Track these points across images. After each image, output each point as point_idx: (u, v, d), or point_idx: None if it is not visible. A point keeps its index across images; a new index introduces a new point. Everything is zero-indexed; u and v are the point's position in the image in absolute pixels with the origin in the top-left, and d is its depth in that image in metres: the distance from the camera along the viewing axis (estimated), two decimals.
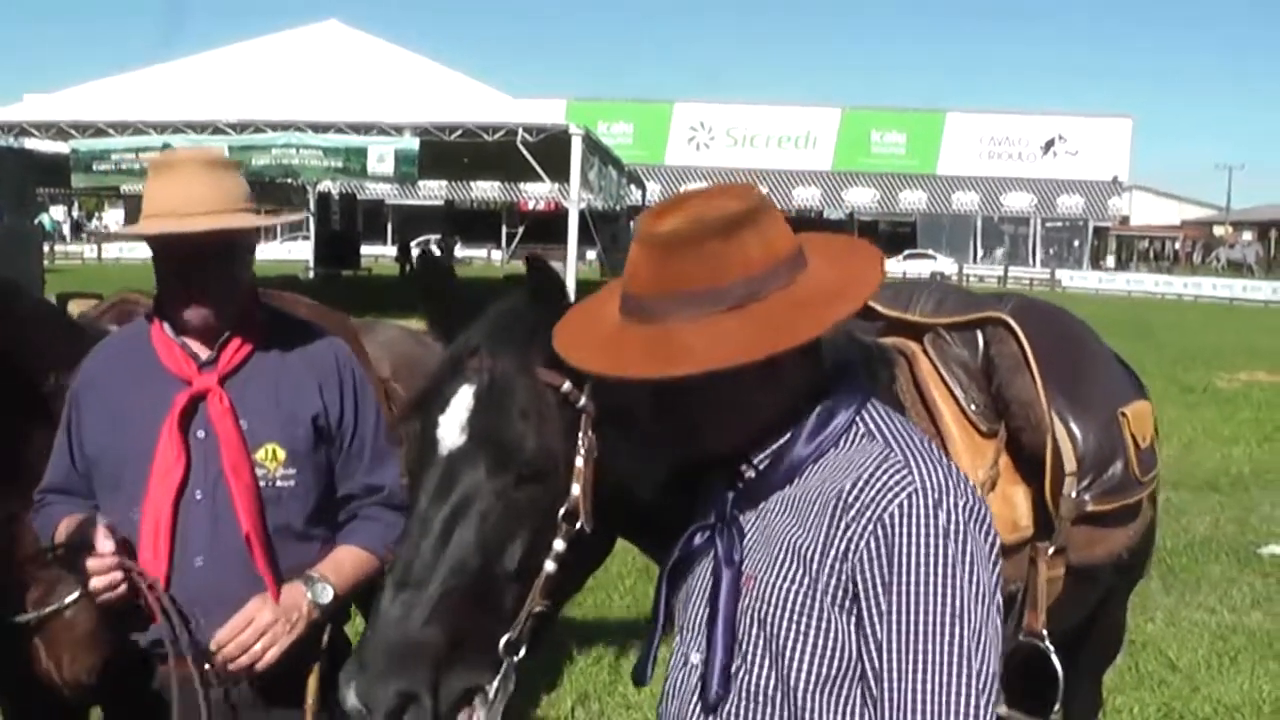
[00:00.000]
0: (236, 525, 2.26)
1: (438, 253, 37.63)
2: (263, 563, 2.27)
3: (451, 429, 1.81)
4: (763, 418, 1.56)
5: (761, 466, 1.59)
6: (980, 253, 54.72)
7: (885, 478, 1.48)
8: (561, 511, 1.79)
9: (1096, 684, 3.42)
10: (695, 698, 1.59)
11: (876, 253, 1.64)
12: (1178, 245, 66.07)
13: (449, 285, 2.11)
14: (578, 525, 1.80)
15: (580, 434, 1.83)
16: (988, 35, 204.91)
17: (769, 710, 1.53)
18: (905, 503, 1.45)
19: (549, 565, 1.79)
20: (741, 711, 1.55)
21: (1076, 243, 56.24)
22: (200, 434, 2.30)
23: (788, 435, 1.56)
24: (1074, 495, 2.54)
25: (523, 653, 1.78)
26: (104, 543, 2.19)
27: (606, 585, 6.08)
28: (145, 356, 2.37)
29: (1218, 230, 66.09)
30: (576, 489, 1.80)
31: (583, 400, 1.83)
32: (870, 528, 1.45)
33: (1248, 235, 62.35)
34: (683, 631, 1.66)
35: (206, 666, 2.27)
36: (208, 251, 2.26)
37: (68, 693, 2.65)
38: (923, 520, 1.44)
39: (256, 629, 2.25)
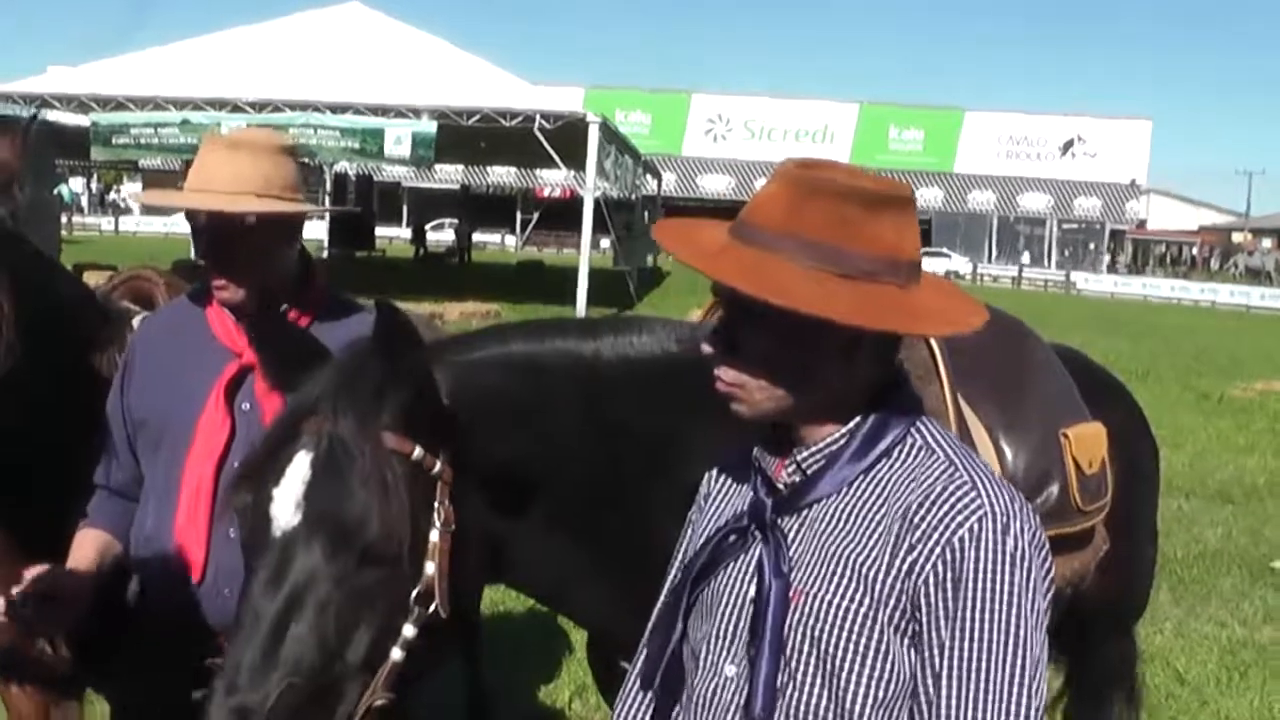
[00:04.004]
0: None
1: (459, 241, 37.61)
2: None
3: (285, 505, 1.65)
4: (820, 398, 1.49)
5: (810, 470, 1.51)
6: (995, 252, 54.52)
7: (953, 499, 1.42)
8: (414, 594, 1.66)
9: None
10: (733, 713, 1.51)
11: (982, 304, 1.61)
12: (1195, 250, 65.73)
13: (286, 335, 1.96)
14: (431, 608, 1.66)
15: (435, 504, 1.69)
16: (1008, 35, 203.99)
17: None
18: (975, 526, 1.40)
19: (395, 654, 1.65)
20: None
21: (1092, 245, 55.99)
22: (245, 406, 2.32)
23: (842, 439, 1.49)
24: None
25: None
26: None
27: None
28: (198, 326, 2.41)
29: (1236, 236, 65.67)
30: (431, 567, 1.67)
31: (437, 467, 1.70)
32: (939, 550, 1.40)
33: (1267, 242, 61.91)
34: (711, 640, 1.57)
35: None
36: (233, 231, 2.29)
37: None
38: (992, 546, 1.40)
39: None
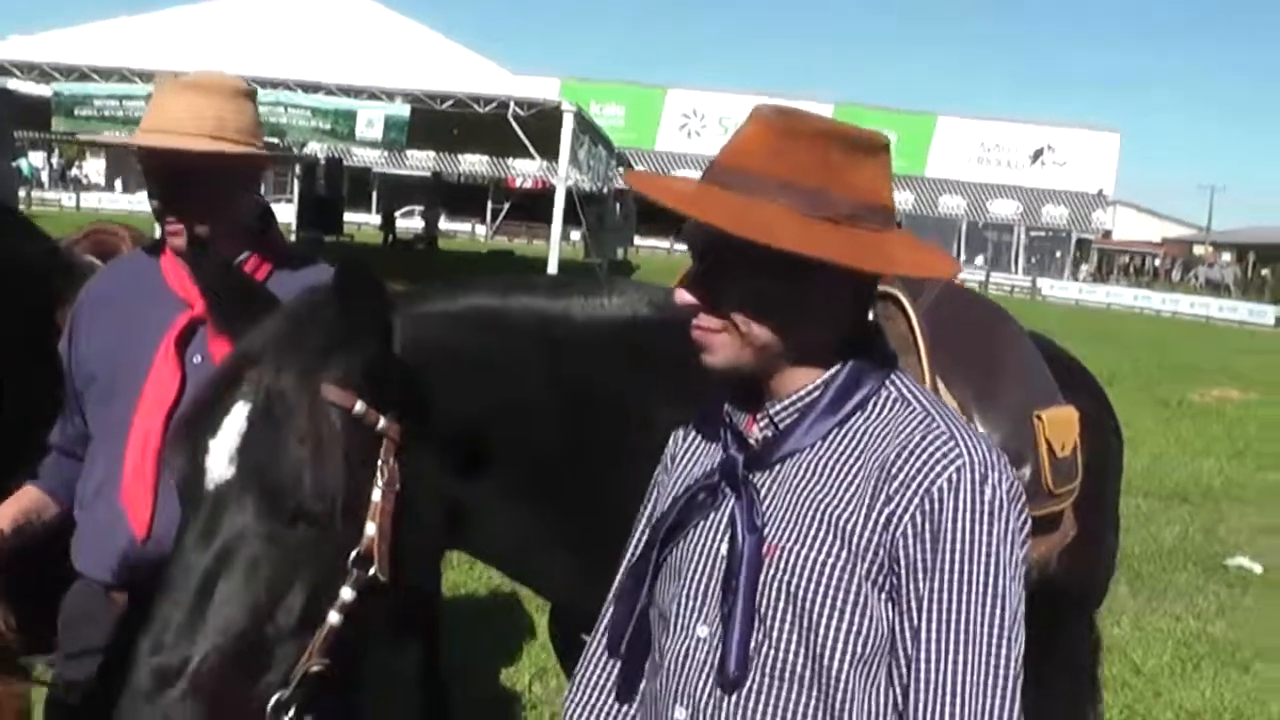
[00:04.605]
0: None
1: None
2: None
3: (219, 458, 1.59)
4: (797, 347, 1.46)
5: (782, 423, 1.47)
6: (964, 257, 54.93)
7: (931, 449, 1.40)
8: (352, 555, 1.60)
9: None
10: (708, 674, 1.46)
11: (950, 255, 1.62)
12: (1158, 262, 66.52)
13: (235, 281, 1.91)
14: (371, 571, 1.61)
15: (379, 463, 1.63)
16: (981, 42, 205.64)
17: (797, 689, 1.42)
18: (954, 476, 1.38)
19: (333, 617, 1.59)
20: (765, 690, 1.43)
21: (1059, 253, 56.52)
22: (197, 359, 2.26)
23: (816, 391, 1.46)
24: None
25: (292, 713, 1.57)
26: None
27: None
28: (152, 277, 2.34)
29: (1198, 249, 66.54)
30: (372, 528, 1.61)
31: (381, 423, 1.64)
32: (917, 501, 1.38)
33: (1227, 256, 62.76)
34: (681, 601, 1.52)
35: None
36: (186, 172, 2.23)
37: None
38: (970, 496, 1.38)
39: None
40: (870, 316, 1.61)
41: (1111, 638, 5.68)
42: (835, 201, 1.40)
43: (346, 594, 1.60)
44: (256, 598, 1.56)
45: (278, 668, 1.57)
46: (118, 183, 51.63)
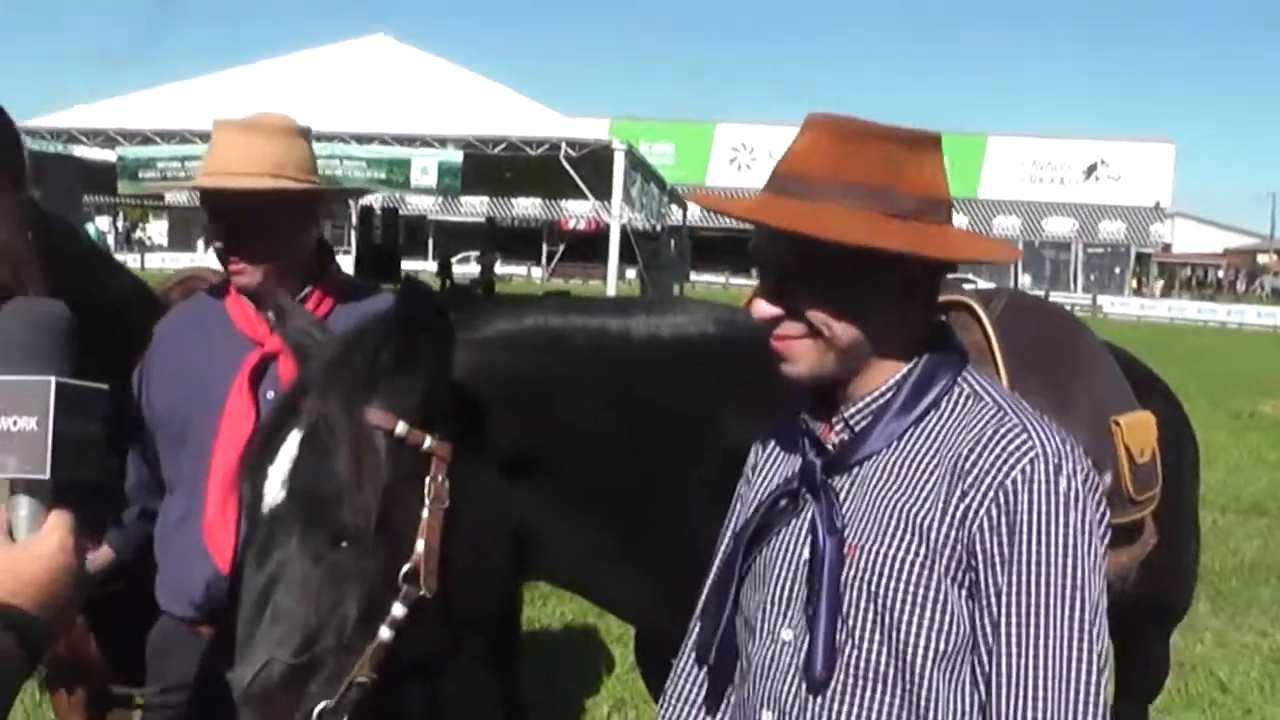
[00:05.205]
0: None
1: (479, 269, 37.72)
2: None
3: (274, 483, 1.65)
4: (873, 349, 1.47)
5: (858, 426, 1.49)
6: (1021, 278, 54.24)
7: (1005, 442, 1.41)
8: (402, 571, 1.63)
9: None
10: (794, 677, 1.47)
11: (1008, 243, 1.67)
12: (1221, 273, 65.20)
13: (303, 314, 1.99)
14: (422, 590, 1.64)
15: (428, 481, 1.66)
16: (1029, 59, 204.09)
17: (882, 689, 1.43)
18: (1028, 468, 1.38)
19: (383, 632, 1.63)
20: (851, 690, 1.44)
21: (1118, 269, 55.68)
22: (270, 394, 2.30)
23: (889, 392, 1.48)
24: None
25: None
26: None
27: None
28: (219, 318, 2.41)
29: (1262, 258, 65.14)
30: (421, 546, 1.64)
31: (428, 442, 1.66)
32: (991, 494, 1.38)
33: None
34: (766, 607, 1.53)
35: None
36: (248, 212, 2.30)
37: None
38: (1045, 488, 1.38)
39: None
40: (941, 317, 1.64)
41: (1195, 656, 5.54)
42: (900, 198, 1.43)
43: (398, 610, 1.64)
44: (306, 613, 1.60)
45: (330, 681, 1.61)
46: (199, 244, 52.93)
